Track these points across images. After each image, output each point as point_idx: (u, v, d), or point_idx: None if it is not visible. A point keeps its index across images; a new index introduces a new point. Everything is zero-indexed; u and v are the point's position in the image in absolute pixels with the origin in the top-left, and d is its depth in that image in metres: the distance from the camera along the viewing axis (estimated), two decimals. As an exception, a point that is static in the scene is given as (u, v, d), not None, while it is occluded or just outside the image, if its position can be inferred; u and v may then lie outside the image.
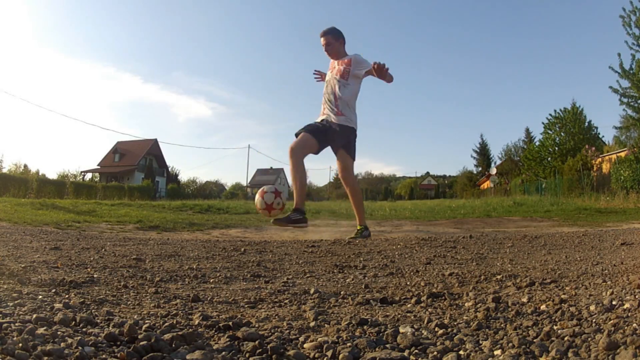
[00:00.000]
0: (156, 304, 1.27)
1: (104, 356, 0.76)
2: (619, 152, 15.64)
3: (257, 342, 0.84)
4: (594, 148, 18.17)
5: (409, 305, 1.28)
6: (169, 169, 51.13)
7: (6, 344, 0.73)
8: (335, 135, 4.17)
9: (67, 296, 1.29)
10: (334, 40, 4.29)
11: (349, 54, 4.28)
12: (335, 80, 4.19)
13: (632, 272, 1.59)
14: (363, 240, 3.63)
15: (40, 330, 0.84)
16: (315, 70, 4.68)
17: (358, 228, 4.33)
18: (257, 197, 3.95)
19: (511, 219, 7.28)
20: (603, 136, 23.44)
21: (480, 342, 0.86)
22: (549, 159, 23.11)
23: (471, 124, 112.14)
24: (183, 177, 48.98)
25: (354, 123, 4.25)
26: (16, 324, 0.87)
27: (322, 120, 4.26)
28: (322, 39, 4.30)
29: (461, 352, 0.81)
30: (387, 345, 0.86)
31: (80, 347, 0.77)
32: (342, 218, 7.85)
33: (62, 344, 0.78)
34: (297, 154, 4.06)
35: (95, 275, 1.70)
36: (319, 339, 0.88)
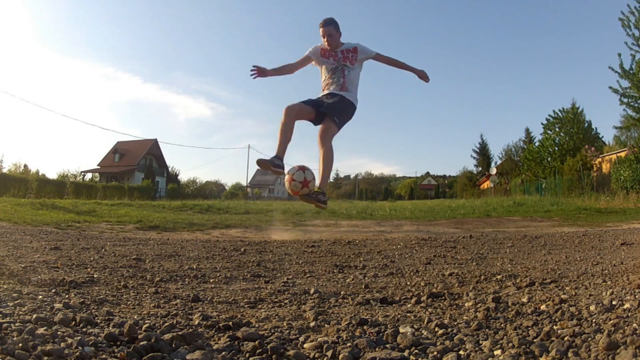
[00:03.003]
0: (156, 304, 1.27)
1: (104, 356, 0.76)
2: (619, 152, 15.62)
3: (257, 342, 0.84)
4: (593, 148, 18.17)
5: (409, 305, 1.28)
6: (169, 169, 51.02)
7: (6, 344, 0.73)
8: (336, 102, 4.23)
9: (67, 296, 1.29)
10: (335, 32, 4.34)
11: (346, 42, 4.34)
12: (341, 65, 4.28)
13: (632, 272, 1.59)
14: (363, 241, 3.62)
15: (40, 330, 0.84)
16: (254, 66, 4.42)
17: (316, 190, 4.28)
18: (288, 183, 4.00)
19: (511, 219, 7.28)
20: (602, 136, 23.44)
21: (480, 342, 0.86)
22: (549, 159, 23.11)
23: (471, 124, 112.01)
24: (183, 177, 48.78)
25: (356, 101, 4.33)
26: (16, 324, 0.87)
27: (325, 94, 4.31)
28: (323, 29, 4.31)
29: (461, 352, 0.81)
30: (387, 345, 0.86)
31: (80, 347, 0.77)
32: (342, 218, 7.84)
33: (62, 344, 0.78)
34: (291, 112, 4.10)
35: (95, 275, 1.70)
36: (319, 339, 0.88)
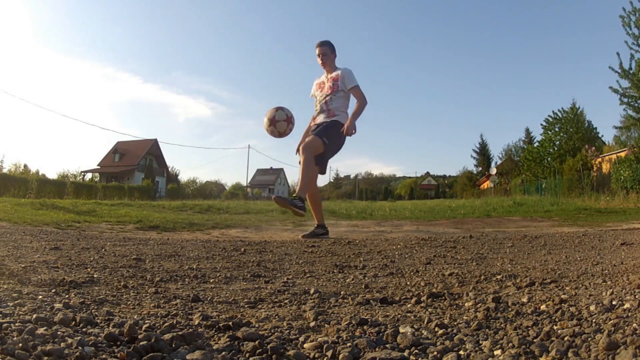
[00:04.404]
0: (156, 304, 1.27)
1: (104, 356, 0.76)
2: (619, 152, 15.62)
3: (257, 342, 0.84)
4: (594, 148, 18.18)
5: (409, 305, 1.28)
6: (169, 169, 51.09)
7: (6, 344, 0.73)
8: (322, 126, 4.37)
9: (67, 296, 1.29)
10: (330, 52, 4.63)
11: (339, 67, 4.50)
12: (324, 96, 4.45)
13: (632, 272, 1.59)
14: (363, 241, 3.62)
15: (40, 330, 0.84)
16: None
17: (294, 195, 4.37)
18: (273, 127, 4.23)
19: (511, 219, 7.28)
20: (603, 136, 23.46)
21: (480, 342, 0.86)
22: (549, 159, 23.12)
23: (471, 124, 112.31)
24: (183, 177, 48.90)
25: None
26: (16, 324, 0.87)
27: (315, 124, 4.48)
28: (318, 49, 4.59)
29: (461, 352, 0.81)
30: (387, 345, 0.86)
31: (80, 347, 0.77)
32: (342, 218, 7.85)
33: (62, 344, 0.78)
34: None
35: (95, 275, 1.70)
36: (319, 339, 0.88)
